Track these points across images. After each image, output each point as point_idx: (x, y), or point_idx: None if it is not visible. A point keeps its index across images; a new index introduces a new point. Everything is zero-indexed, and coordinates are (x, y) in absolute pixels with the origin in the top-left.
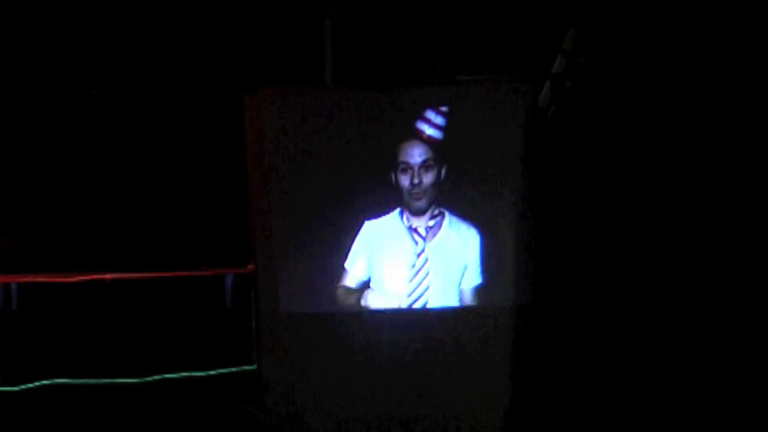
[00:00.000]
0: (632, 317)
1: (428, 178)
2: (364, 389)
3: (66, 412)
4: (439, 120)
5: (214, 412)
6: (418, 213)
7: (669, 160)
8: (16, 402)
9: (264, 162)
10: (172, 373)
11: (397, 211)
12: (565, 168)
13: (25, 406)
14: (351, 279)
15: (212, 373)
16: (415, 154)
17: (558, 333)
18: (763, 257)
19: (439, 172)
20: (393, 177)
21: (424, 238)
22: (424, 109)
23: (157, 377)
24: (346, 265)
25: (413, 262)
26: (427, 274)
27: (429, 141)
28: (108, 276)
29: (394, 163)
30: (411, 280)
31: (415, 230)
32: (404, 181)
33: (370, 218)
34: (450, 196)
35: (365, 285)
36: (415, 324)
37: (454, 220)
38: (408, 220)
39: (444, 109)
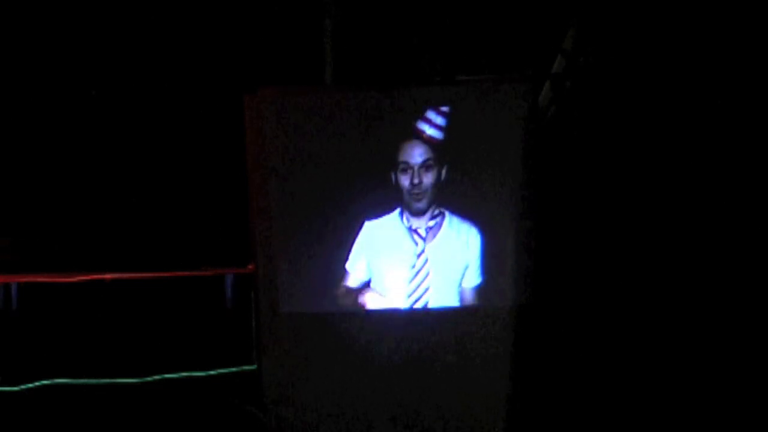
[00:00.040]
0: (632, 317)
1: (428, 179)
2: (364, 389)
3: (66, 412)
4: (439, 120)
5: (214, 412)
6: (418, 213)
7: (669, 160)
8: (16, 402)
9: (264, 162)
10: (172, 373)
11: (397, 211)
12: (565, 168)
13: (25, 406)
14: (351, 280)
15: (212, 373)
16: (416, 154)
17: (558, 333)
18: (763, 257)
19: (439, 173)
20: (393, 177)
21: (424, 239)
22: (425, 109)
23: (157, 377)
24: (347, 266)
25: (413, 263)
26: (427, 275)
27: (429, 141)
28: (108, 276)
29: (394, 163)
30: (411, 281)
31: (415, 231)
32: (404, 181)
33: (370, 219)
34: (450, 196)
35: (366, 285)
36: (415, 324)
37: (455, 220)
38: (408, 221)
39: (444, 109)
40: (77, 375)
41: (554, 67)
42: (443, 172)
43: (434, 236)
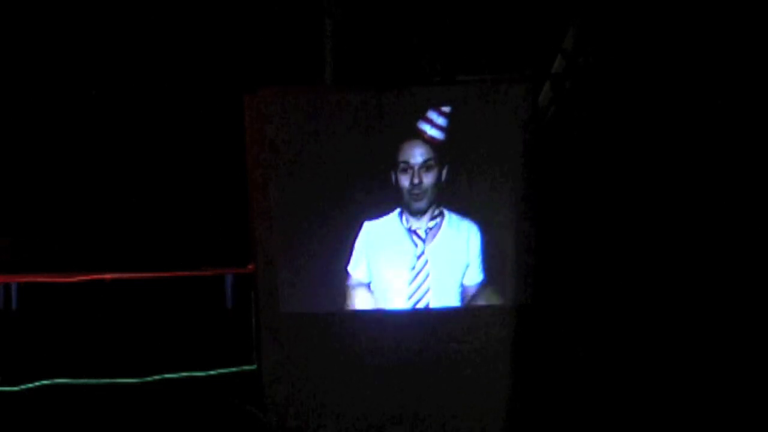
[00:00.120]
0: (632, 317)
1: (429, 179)
2: (365, 389)
3: (66, 412)
4: (440, 120)
5: (214, 412)
6: (418, 214)
7: (669, 160)
8: (16, 402)
9: (264, 162)
10: (172, 373)
11: (397, 212)
12: (565, 168)
13: (25, 406)
14: (352, 281)
15: (212, 373)
16: (416, 154)
17: (558, 333)
18: (763, 257)
19: (439, 173)
20: (393, 177)
21: (423, 240)
22: (425, 109)
23: (157, 377)
24: (348, 267)
25: (413, 264)
26: (427, 276)
27: (430, 141)
28: (108, 276)
29: (394, 163)
30: (411, 283)
31: (415, 232)
32: (404, 181)
33: (369, 219)
34: (450, 196)
35: (366, 287)
36: (415, 324)
37: (454, 218)
38: (407, 222)
39: (446, 109)
40: (77, 375)
41: (554, 67)
42: (444, 172)
43: (434, 237)
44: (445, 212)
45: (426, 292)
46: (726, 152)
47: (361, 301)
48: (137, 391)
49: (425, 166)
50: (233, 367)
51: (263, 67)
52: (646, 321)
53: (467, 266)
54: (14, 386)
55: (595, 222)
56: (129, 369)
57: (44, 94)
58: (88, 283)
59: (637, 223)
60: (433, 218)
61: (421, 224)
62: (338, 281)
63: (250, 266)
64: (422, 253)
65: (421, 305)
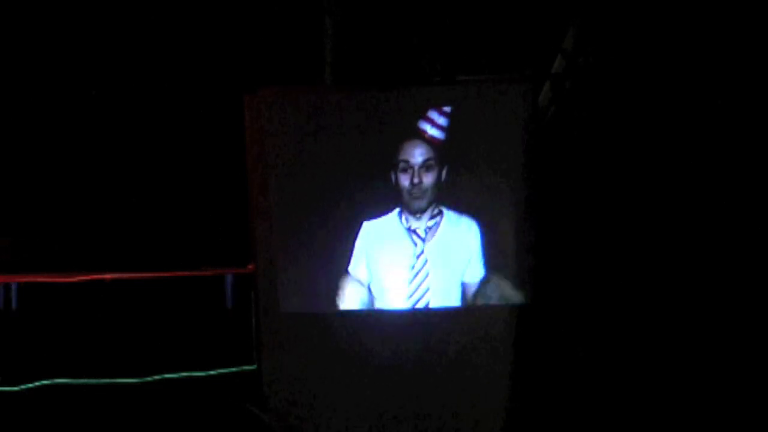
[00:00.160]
0: (632, 317)
1: (429, 179)
2: (365, 389)
3: (66, 412)
4: (441, 120)
5: (214, 412)
6: (418, 213)
7: (669, 160)
8: (16, 402)
9: (264, 162)
10: (172, 373)
11: (396, 212)
12: (565, 168)
13: (25, 406)
14: (352, 281)
15: (212, 373)
16: (417, 154)
17: (558, 333)
18: (763, 257)
19: (439, 173)
20: (393, 176)
21: (423, 239)
22: (426, 109)
23: (157, 377)
24: (348, 267)
25: (413, 264)
26: (426, 276)
27: (430, 141)
28: (108, 276)
29: (394, 163)
30: (411, 282)
31: (414, 231)
32: (404, 180)
33: (369, 219)
34: (449, 195)
35: (366, 287)
36: (415, 324)
37: (452, 215)
38: (407, 221)
39: (446, 109)
40: (77, 375)
41: (554, 67)
42: (443, 172)
43: (433, 235)
44: (444, 210)
45: (426, 291)
46: (726, 152)
47: (356, 300)
48: (137, 391)
49: (425, 165)
50: (233, 367)
51: (263, 67)
52: (646, 321)
53: (467, 263)
54: (14, 386)
55: (595, 222)
56: (129, 369)
57: (44, 94)
58: (88, 283)
59: (637, 223)
60: (432, 217)
61: (421, 223)
62: (338, 281)
63: (250, 266)
64: (422, 252)
65: (421, 304)
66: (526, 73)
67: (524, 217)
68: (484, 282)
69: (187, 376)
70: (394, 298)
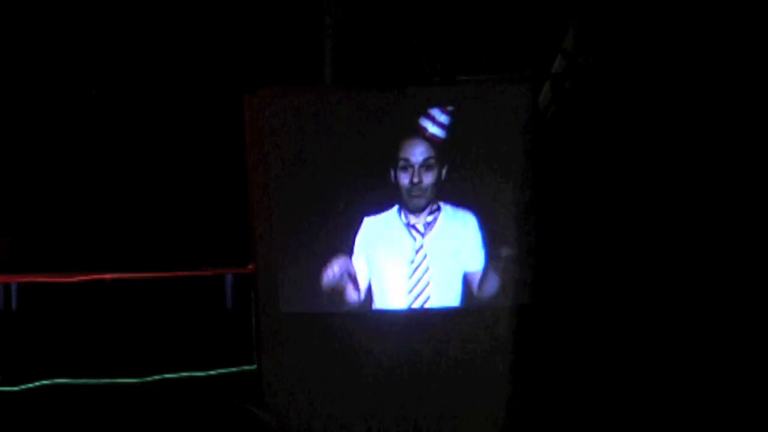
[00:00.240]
0: (632, 317)
1: (429, 178)
2: (365, 389)
3: (66, 412)
4: (442, 118)
5: (214, 412)
6: (417, 211)
7: (669, 160)
8: (16, 402)
9: (264, 162)
10: (172, 373)
11: (396, 208)
12: (565, 168)
13: (25, 406)
14: (352, 277)
15: (212, 373)
16: (417, 153)
17: (558, 333)
18: (763, 257)
19: (439, 172)
20: (392, 174)
21: (422, 234)
22: (426, 108)
23: (157, 377)
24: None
25: (412, 258)
26: (426, 270)
27: (432, 139)
28: (108, 276)
29: (394, 161)
30: (410, 277)
31: (413, 227)
32: (404, 179)
33: (369, 215)
34: (449, 193)
35: (366, 283)
36: (415, 324)
37: (450, 209)
38: (406, 217)
39: (448, 108)
40: (77, 375)
41: (554, 67)
42: (443, 171)
43: (432, 229)
44: (442, 205)
45: (426, 285)
46: (726, 152)
47: (361, 297)
48: (137, 391)
49: (425, 164)
50: (233, 367)
51: (263, 67)
52: (645, 321)
53: (467, 254)
54: (14, 386)
55: (595, 222)
56: (129, 369)
57: (44, 94)
58: (88, 283)
59: (637, 223)
60: (431, 213)
61: (420, 220)
62: (340, 280)
63: (250, 266)
64: (421, 247)
65: (421, 299)
66: (526, 73)
67: (524, 217)
68: (486, 271)
69: (187, 376)
70: (395, 293)
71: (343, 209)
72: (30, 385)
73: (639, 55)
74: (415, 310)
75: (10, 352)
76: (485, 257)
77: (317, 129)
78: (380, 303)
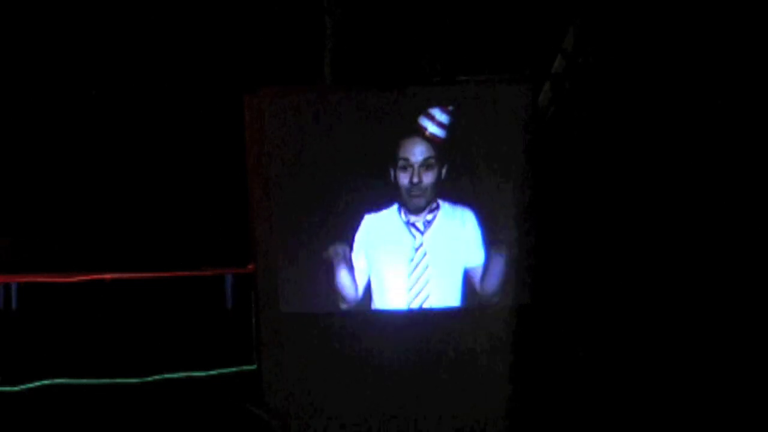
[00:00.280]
0: (632, 317)
1: (428, 178)
2: (364, 389)
3: (66, 412)
4: (442, 117)
5: (214, 412)
6: (417, 211)
7: (669, 160)
8: (16, 402)
9: (264, 162)
10: (172, 373)
11: (396, 206)
12: (565, 168)
13: (25, 406)
14: (351, 271)
15: (212, 373)
16: (417, 152)
17: (558, 333)
18: (763, 257)
19: (439, 172)
20: (392, 173)
21: (422, 232)
22: (426, 108)
23: (157, 377)
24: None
25: (412, 257)
26: (426, 268)
27: (432, 139)
28: (108, 276)
29: (393, 160)
30: (410, 276)
31: (413, 225)
32: (403, 179)
33: (369, 212)
34: (448, 191)
35: (365, 279)
36: (415, 323)
37: (448, 206)
38: (406, 216)
39: (448, 108)
40: (77, 375)
41: (554, 67)
42: (443, 171)
43: (431, 227)
44: (440, 202)
45: (426, 284)
46: (726, 152)
47: (361, 296)
48: (137, 391)
49: (425, 164)
50: (233, 367)
51: (263, 67)
52: (645, 321)
53: (467, 250)
54: (14, 386)
55: (595, 222)
56: (129, 369)
57: (44, 94)
58: (88, 283)
59: (637, 223)
60: (430, 211)
61: (420, 219)
62: (340, 279)
63: (250, 266)
64: (420, 245)
65: (420, 298)
66: (526, 73)
67: (524, 216)
68: (487, 266)
69: (187, 376)
70: (394, 292)
71: (342, 209)
72: (30, 385)
73: (639, 55)
74: (415, 310)
75: (10, 352)
76: (485, 252)
77: (317, 129)
78: (380, 303)
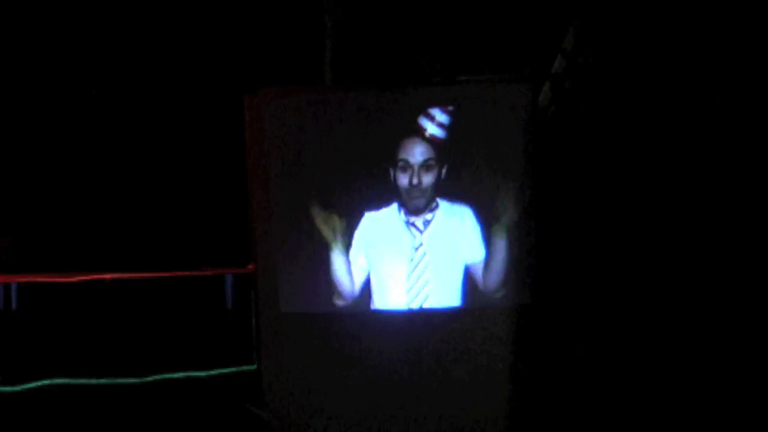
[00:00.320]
0: (632, 317)
1: (428, 179)
2: (364, 389)
3: (66, 412)
4: (442, 117)
5: (214, 412)
6: (417, 212)
7: (669, 159)
8: (16, 402)
9: (264, 162)
10: (172, 373)
11: (396, 205)
12: (565, 168)
13: (25, 406)
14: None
15: (212, 373)
16: (417, 153)
17: (558, 333)
18: (763, 257)
19: (439, 172)
20: (391, 174)
21: (421, 232)
22: (426, 108)
23: (157, 377)
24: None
25: (411, 257)
26: (426, 268)
27: (431, 139)
28: (108, 276)
29: (393, 161)
30: (410, 275)
31: (413, 224)
32: (403, 180)
33: (369, 210)
34: (448, 191)
35: (363, 277)
36: (415, 323)
37: (446, 204)
38: (406, 215)
39: (448, 108)
40: (77, 375)
41: (554, 67)
42: (443, 172)
43: (430, 226)
44: (439, 201)
45: (426, 284)
46: (726, 152)
47: (360, 295)
48: (137, 391)
49: (425, 165)
50: (233, 367)
51: (263, 67)
52: (645, 321)
53: (467, 246)
54: (14, 386)
55: (595, 222)
56: (129, 369)
57: (44, 94)
58: (88, 283)
59: (637, 223)
60: (430, 211)
61: (419, 218)
62: (340, 278)
63: (250, 266)
64: (420, 244)
65: (420, 298)
66: (526, 73)
67: (524, 216)
68: (488, 262)
69: (187, 376)
70: (394, 292)
71: (343, 208)
72: (30, 385)
73: (639, 54)
74: (414, 310)
75: (10, 352)
76: (486, 248)
77: (317, 129)
78: (380, 302)
